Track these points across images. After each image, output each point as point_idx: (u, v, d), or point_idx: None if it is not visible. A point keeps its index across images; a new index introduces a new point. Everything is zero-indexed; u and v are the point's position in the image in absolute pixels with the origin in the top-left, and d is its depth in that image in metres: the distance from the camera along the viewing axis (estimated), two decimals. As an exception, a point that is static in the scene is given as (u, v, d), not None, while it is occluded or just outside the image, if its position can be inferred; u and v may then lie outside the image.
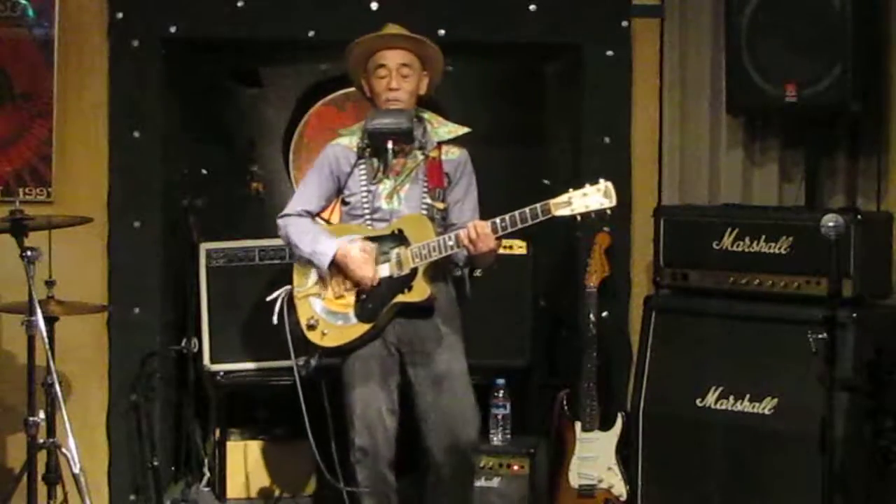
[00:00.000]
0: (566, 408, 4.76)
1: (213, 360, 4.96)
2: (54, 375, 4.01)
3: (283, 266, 5.06)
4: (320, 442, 4.29)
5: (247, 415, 5.16)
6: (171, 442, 5.09)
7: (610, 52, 5.00)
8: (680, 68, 5.01)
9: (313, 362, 4.29)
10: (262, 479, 4.96)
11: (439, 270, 4.22)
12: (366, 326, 4.19)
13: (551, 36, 5.03)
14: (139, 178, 4.97)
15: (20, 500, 4.17)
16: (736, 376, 4.48)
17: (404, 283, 4.15)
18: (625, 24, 5.01)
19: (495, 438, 4.89)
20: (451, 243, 4.08)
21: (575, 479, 4.69)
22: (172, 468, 5.11)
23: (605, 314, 4.85)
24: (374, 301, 4.18)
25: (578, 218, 3.97)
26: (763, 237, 4.51)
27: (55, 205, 4.90)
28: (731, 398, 4.48)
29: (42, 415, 4.12)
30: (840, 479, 3.93)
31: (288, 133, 5.56)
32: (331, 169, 4.31)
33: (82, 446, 4.00)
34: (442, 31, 4.89)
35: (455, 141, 4.33)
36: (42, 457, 4.17)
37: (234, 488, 4.94)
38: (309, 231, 4.28)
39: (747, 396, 4.45)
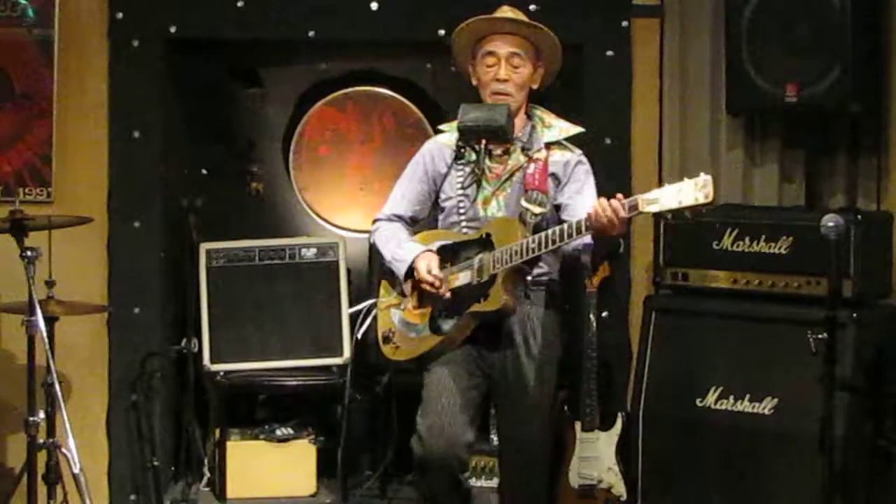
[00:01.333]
0: (566, 408, 4.76)
1: (213, 360, 4.96)
2: (54, 375, 4.01)
3: (284, 266, 5.08)
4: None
5: (247, 415, 5.16)
6: (171, 442, 5.09)
7: (610, 52, 5.00)
8: (680, 68, 5.01)
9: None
10: (262, 479, 4.96)
11: (537, 283, 3.91)
12: (436, 339, 3.87)
13: (551, 36, 5.03)
14: (139, 178, 4.97)
15: (20, 500, 4.17)
16: (736, 376, 4.48)
17: (481, 291, 3.79)
18: (625, 24, 5.00)
19: (495, 438, 4.89)
20: (533, 245, 3.68)
21: (575, 479, 4.69)
22: (172, 468, 5.11)
23: (605, 314, 4.85)
24: (447, 311, 3.87)
25: (670, 216, 3.72)
26: (763, 237, 4.51)
27: (55, 205, 4.90)
28: (731, 398, 4.48)
29: (42, 415, 4.12)
30: (840, 479, 3.92)
31: (288, 133, 5.55)
32: (425, 168, 4.00)
33: (82, 446, 4.01)
34: (442, 31, 4.89)
35: (569, 142, 4.00)
36: (42, 457, 4.16)
37: (234, 488, 4.94)
38: (393, 237, 4.00)
39: (747, 396, 4.44)
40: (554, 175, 3.92)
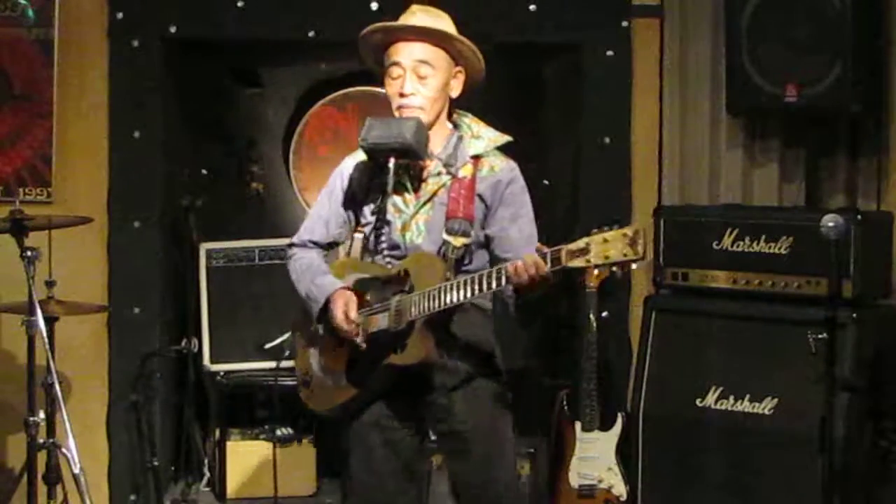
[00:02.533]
0: (566, 408, 4.76)
1: (213, 360, 4.96)
2: (54, 375, 4.01)
3: (284, 266, 5.06)
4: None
5: (247, 415, 5.16)
6: (171, 442, 5.09)
7: (610, 52, 5.00)
8: (680, 68, 5.01)
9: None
10: (261, 479, 4.96)
11: (468, 324, 3.42)
12: (354, 390, 3.45)
13: (551, 36, 5.03)
14: (139, 178, 4.97)
15: (20, 500, 4.17)
16: (736, 376, 4.48)
17: (399, 340, 3.34)
18: (625, 24, 5.00)
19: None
20: (457, 295, 3.21)
21: (575, 480, 4.69)
22: (172, 468, 5.11)
23: (605, 314, 4.85)
24: (365, 359, 3.40)
25: (595, 271, 3.38)
26: (763, 237, 4.51)
27: (55, 205, 4.89)
28: (731, 398, 4.48)
29: (42, 415, 4.12)
30: (840, 479, 3.92)
31: (288, 133, 5.55)
32: (343, 187, 3.55)
33: (82, 446, 4.00)
34: (442, 31, 4.89)
35: (499, 152, 3.49)
36: (42, 457, 4.16)
37: (234, 488, 4.94)
38: (307, 270, 3.55)
39: (747, 396, 4.44)
40: (481, 197, 3.43)
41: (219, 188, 5.46)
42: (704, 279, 4.63)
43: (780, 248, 4.49)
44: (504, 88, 5.58)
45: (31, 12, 4.91)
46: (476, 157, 3.46)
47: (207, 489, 4.98)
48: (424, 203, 3.44)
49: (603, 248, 3.01)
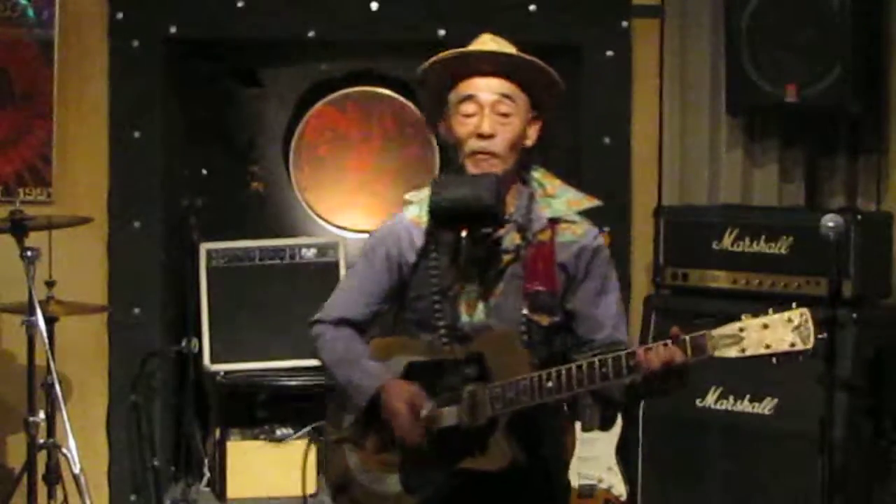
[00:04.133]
0: (566, 408, 4.76)
1: (213, 360, 4.96)
2: (54, 375, 4.02)
3: (284, 266, 5.08)
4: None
5: (247, 415, 5.16)
6: (171, 442, 5.09)
7: (610, 53, 5.00)
8: (680, 68, 5.01)
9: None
10: (262, 479, 4.96)
11: (544, 424, 2.92)
12: (409, 501, 2.87)
13: (551, 36, 5.03)
14: (139, 178, 4.97)
15: (20, 500, 4.17)
16: (736, 376, 4.47)
17: (476, 440, 2.78)
18: (625, 24, 5.00)
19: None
20: (559, 386, 2.71)
21: (575, 479, 4.69)
22: (172, 468, 5.10)
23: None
24: (426, 463, 2.84)
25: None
26: (763, 237, 4.51)
27: (55, 205, 4.89)
28: (731, 398, 4.48)
29: (42, 415, 4.12)
30: (840, 479, 3.92)
31: (288, 133, 5.55)
32: (387, 255, 2.97)
33: (82, 446, 4.01)
34: (442, 32, 4.90)
35: (579, 215, 2.97)
36: (42, 457, 4.17)
37: (234, 488, 4.94)
38: (347, 353, 2.97)
39: (747, 396, 4.44)
40: (563, 267, 2.91)
41: (219, 188, 5.45)
42: (704, 279, 4.63)
43: (780, 248, 4.49)
44: (504, 88, 5.59)
45: (31, 12, 4.91)
46: (554, 221, 2.93)
47: (207, 489, 4.97)
48: (496, 274, 2.90)
49: (761, 335, 2.63)
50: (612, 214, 4.88)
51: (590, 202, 2.99)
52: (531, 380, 2.73)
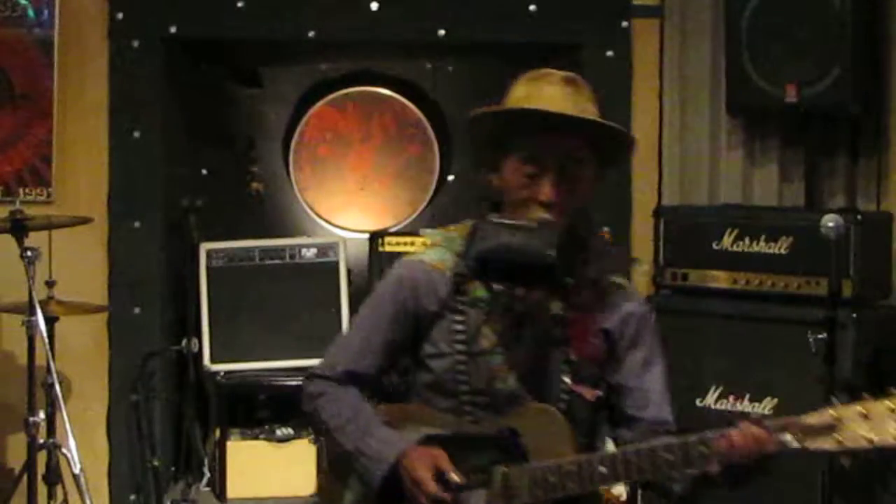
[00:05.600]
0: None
1: (213, 360, 4.96)
2: (54, 375, 4.02)
3: (284, 266, 5.07)
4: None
5: (247, 415, 5.16)
6: (171, 442, 5.08)
7: (610, 52, 5.00)
8: (680, 68, 5.01)
9: None
10: (262, 479, 4.96)
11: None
12: None
13: (551, 36, 5.03)
14: (139, 178, 4.97)
15: (20, 500, 4.17)
16: (736, 376, 4.47)
17: None
18: (625, 24, 5.00)
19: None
20: (603, 471, 2.36)
21: (575, 479, 4.68)
22: (172, 468, 5.10)
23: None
24: None
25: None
26: (763, 237, 4.51)
27: (55, 205, 4.89)
28: (731, 398, 4.48)
29: (42, 415, 4.12)
30: (840, 479, 3.92)
31: (288, 133, 5.56)
32: (404, 304, 2.58)
33: (82, 446, 4.01)
34: (442, 32, 4.90)
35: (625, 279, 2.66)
36: (42, 457, 4.17)
37: (234, 488, 4.94)
38: (356, 417, 2.57)
39: (747, 396, 4.44)
40: (607, 333, 2.58)
41: (219, 188, 5.46)
42: (704, 279, 4.63)
43: (780, 248, 4.48)
44: (504, 88, 5.59)
45: (31, 12, 4.91)
46: (599, 282, 2.61)
47: (207, 489, 4.97)
48: (534, 337, 2.54)
49: (860, 425, 2.31)
50: (612, 214, 4.89)
51: (639, 266, 2.68)
52: (579, 464, 2.37)
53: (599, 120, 2.61)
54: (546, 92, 2.62)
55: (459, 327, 2.53)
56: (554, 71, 2.68)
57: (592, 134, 2.58)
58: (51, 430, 4.25)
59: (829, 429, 2.31)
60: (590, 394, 2.52)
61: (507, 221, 2.47)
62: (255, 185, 5.59)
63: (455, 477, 2.42)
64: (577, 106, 2.62)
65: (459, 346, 2.53)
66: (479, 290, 2.53)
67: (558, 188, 2.51)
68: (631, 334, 2.60)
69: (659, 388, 2.61)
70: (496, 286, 2.50)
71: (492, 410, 2.52)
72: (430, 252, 2.62)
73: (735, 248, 4.56)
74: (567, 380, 2.51)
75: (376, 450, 2.50)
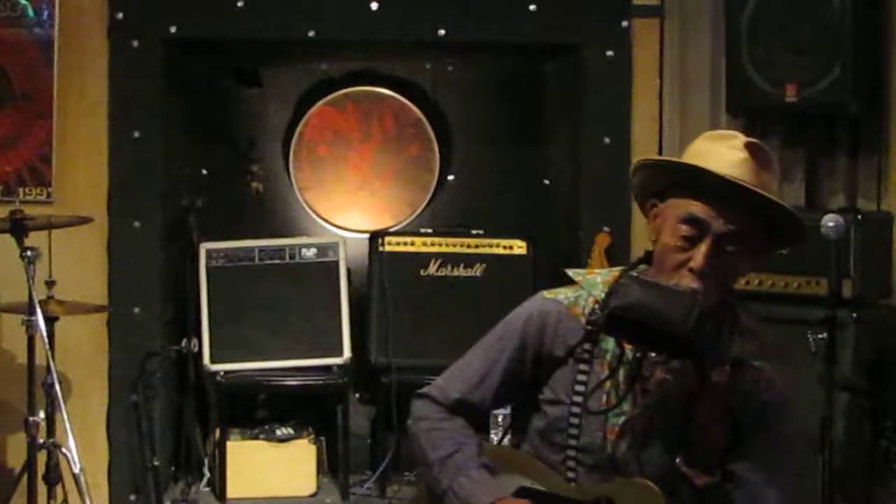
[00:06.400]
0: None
1: (213, 360, 4.96)
2: (54, 375, 4.02)
3: (284, 266, 5.07)
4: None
5: (247, 415, 5.16)
6: (171, 442, 5.09)
7: (610, 52, 5.00)
8: (680, 68, 5.01)
9: None
10: (261, 478, 4.96)
11: None
12: None
13: (551, 36, 5.03)
14: (139, 178, 4.97)
15: (20, 500, 4.17)
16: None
17: None
18: (625, 24, 5.00)
19: (495, 439, 4.88)
20: None
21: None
22: (172, 468, 5.11)
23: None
24: None
25: None
26: (763, 237, 4.51)
27: (55, 205, 4.89)
28: (731, 398, 4.47)
29: (42, 415, 4.12)
30: (840, 479, 3.92)
31: (288, 133, 5.56)
32: (528, 341, 2.53)
33: (82, 446, 4.01)
34: (442, 32, 4.90)
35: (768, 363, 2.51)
36: (42, 457, 4.16)
37: (234, 488, 4.94)
38: (457, 453, 2.49)
39: (747, 396, 4.44)
40: (735, 419, 2.39)
41: (219, 188, 5.46)
42: (704, 279, 4.62)
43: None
44: (504, 88, 5.59)
45: (31, 12, 4.91)
46: (738, 362, 2.41)
47: (207, 489, 4.97)
48: (656, 406, 2.40)
49: None
50: (612, 214, 4.89)
51: (776, 354, 2.54)
52: None
53: (774, 199, 2.38)
54: (726, 155, 2.41)
55: (581, 377, 2.44)
56: (739, 134, 2.47)
57: (764, 211, 2.38)
58: (51, 429, 4.25)
59: None
60: (701, 480, 2.33)
61: (651, 281, 2.34)
62: (255, 184, 5.59)
63: None
64: (757, 177, 2.39)
65: (577, 399, 2.43)
66: (609, 345, 2.44)
67: (712, 259, 2.35)
68: (763, 426, 2.42)
69: (783, 492, 2.41)
70: (628, 346, 2.40)
71: (595, 472, 2.42)
72: (569, 292, 2.54)
73: (735, 248, 4.56)
74: (679, 459, 2.35)
75: (469, 491, 2.43)
